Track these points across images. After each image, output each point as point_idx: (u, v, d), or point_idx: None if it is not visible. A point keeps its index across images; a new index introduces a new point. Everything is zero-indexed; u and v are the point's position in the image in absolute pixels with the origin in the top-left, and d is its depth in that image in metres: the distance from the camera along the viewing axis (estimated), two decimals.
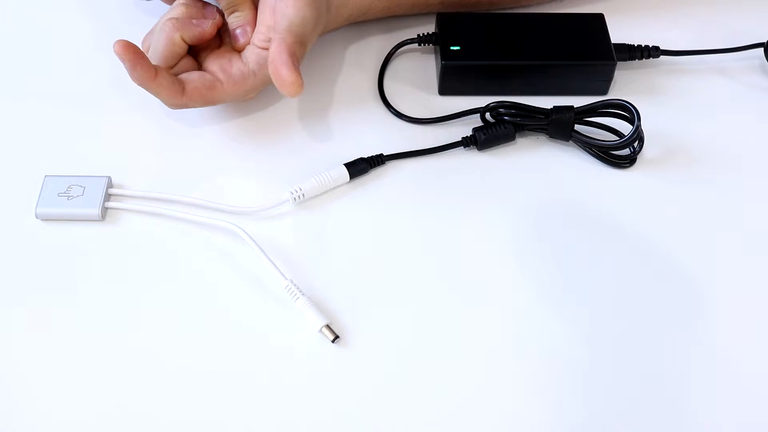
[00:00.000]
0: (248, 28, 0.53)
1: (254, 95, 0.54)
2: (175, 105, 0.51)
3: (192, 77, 0.51)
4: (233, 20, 0.53)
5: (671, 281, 0.48)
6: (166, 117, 0.55)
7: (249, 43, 0.53)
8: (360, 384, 0.44)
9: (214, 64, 0.52)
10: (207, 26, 0.52)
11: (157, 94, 0.50)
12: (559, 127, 0.52)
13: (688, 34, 0.60)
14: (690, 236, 0.50)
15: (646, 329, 0.46)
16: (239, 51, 0.53)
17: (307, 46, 0.51)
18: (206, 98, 0.51)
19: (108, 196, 0.50)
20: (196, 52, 0.54)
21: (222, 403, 0.43)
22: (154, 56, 0.51)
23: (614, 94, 0.57)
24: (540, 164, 0.53)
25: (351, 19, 0.57)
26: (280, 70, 0.48)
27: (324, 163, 0.52)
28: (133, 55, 0.48)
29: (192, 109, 0.53)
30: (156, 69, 0.49)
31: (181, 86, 0.50)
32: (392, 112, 0.55)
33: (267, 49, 0.52)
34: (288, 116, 0.55)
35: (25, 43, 0.60)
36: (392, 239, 0.49)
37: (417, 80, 0.57)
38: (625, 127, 0.52)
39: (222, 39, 0.54)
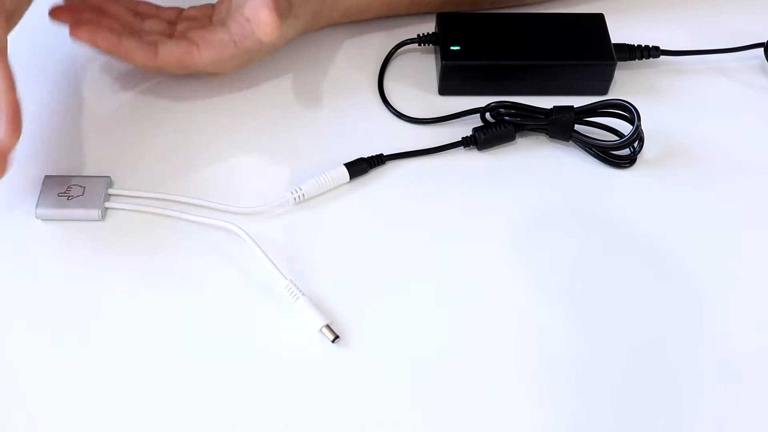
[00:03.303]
0: None
1: (233, 68, 0.53)
2: (148, 68, 0.50)
3: (166, 41, 0.51)
4: None
5: (671, 281, 0.48)
6: (167, 117, 0.55)
7: None
8: (360, 384, 0.44)
9: (195, 34, 0.52)
10: None
11: (127, 58, 0.49)
12: (559, 127, 0.52)
13: (688, 34, 0.60)
14: (690, 236, 0.50)
15: (645, 329, 0.46)
16: None
17: (293, 5, 0.49)
18: (181, 63, 0.51)
19: (108, 196, 0.50)
20: (176, 27, 0.53)
21: (222, 403, 0.43)
22: None
23: (614, 94, 0.57)
24: (540, 164, 0.53)
25: (350, 15, 0.57)
26: (260, 11, 0.47)
27: (324, 163, 0.52)
28: (89, 24, 0.48)
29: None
30: (120, 35, 0.49)
31: (153, 49, 0.50)
32: (392, 112, 0.55)
33: None
34: (288, 116, 0.55)
35: (25, 42, 0.60)
36: (392, 239, 0.49)
37: (417, 80, 0.57)
38: (625, 127, 0.52)
39: (210, 21, 0.54)
